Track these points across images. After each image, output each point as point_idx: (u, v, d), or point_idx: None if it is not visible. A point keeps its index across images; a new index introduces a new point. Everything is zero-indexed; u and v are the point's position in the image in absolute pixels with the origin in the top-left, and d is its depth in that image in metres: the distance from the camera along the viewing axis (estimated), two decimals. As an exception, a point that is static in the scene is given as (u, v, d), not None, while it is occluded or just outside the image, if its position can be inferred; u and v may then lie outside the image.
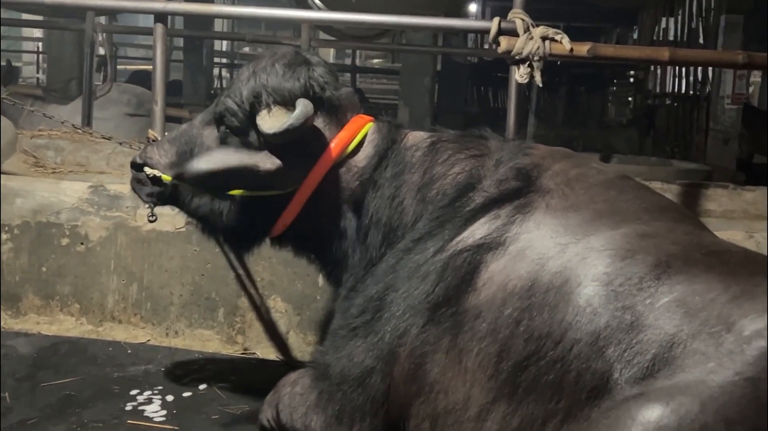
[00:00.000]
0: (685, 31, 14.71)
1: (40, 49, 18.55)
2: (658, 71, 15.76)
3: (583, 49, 3.60)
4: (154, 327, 3.86)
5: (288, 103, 2.58)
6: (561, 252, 2.14)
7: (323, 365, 2.63)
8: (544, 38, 3.56)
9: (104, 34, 8.73)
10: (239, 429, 3.06)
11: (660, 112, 14.70)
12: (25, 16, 11.57)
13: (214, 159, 2.67)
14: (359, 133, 2.73)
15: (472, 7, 19.25)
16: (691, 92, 13.58)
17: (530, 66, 3.62)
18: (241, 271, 3.81)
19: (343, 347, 2.53)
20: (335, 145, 2.68)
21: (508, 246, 2.26)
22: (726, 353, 1.73)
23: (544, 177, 2.40)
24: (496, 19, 3.68)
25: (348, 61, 19.98)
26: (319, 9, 10.35)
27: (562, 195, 2.33)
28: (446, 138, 2.73)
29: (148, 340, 3.81)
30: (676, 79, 14.70)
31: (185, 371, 3.49)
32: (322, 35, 12.25)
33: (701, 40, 13.03)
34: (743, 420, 1.64)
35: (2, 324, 3.85)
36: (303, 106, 2.53)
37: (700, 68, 12.46)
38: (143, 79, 11.65)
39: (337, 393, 2.49)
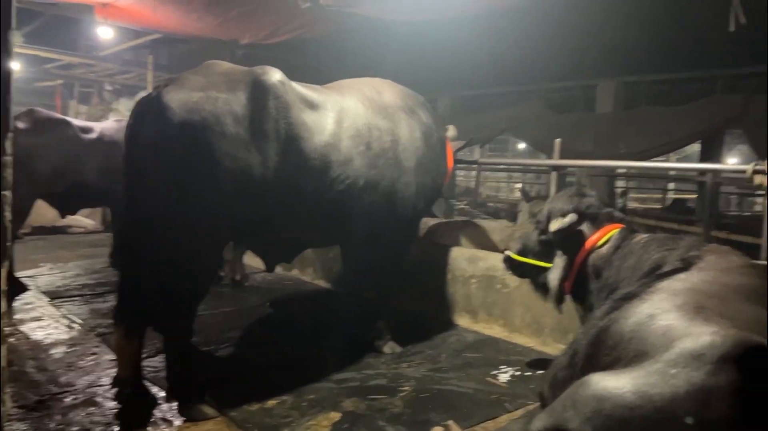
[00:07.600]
0: None
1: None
2: None
3: (816, 183, 3.00)
4: (535, 338, 4.14)
5: (564, 216, 2.96)
6: (667, 304, 2.07)
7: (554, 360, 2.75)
8: (783, 176, 3.09)
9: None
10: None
11: None
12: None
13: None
14: (608, 235, 2.88)
15: None
16: None
17: (776, 194, 3.14)
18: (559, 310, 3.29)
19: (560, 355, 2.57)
20: (589, 241, 2.90)
21: (646, 298, 2.18)
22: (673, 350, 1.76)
23: (697, 264, 2.34)
24: (752, 164, 3.40)
25: None
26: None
27: (695, 275, 2.27)
28: (656, 237, 2.72)
29: (531, 346, 4.05)
30: None
31: (535, 364, 3.71)
32: None
33: None
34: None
35: (465, 325, 4.41)
36: (569, 217, 2.91)
37: None
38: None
39: (552, 372, 2.54)
